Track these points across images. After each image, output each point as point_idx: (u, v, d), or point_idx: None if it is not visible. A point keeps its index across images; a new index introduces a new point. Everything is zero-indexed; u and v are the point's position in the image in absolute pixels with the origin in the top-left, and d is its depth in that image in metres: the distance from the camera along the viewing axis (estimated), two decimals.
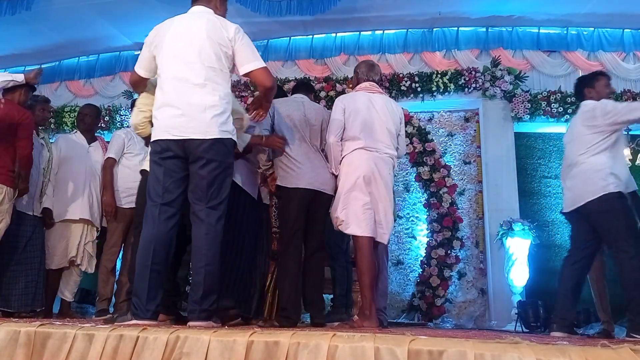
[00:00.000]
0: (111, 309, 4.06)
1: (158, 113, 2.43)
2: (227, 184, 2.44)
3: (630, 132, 5.35)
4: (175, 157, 2.38)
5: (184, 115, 2.35)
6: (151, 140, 2.46)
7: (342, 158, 3.09)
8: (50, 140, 4.11)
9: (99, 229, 4.04)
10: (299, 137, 3.14)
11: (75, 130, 4.38)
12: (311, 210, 3.09)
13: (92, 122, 4.23)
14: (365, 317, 2.86)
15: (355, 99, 3.15)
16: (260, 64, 2.48)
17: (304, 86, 3.61)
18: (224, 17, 2.60)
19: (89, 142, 4.10)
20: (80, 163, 3.97)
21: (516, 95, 5.48)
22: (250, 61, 2.46)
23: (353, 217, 2.96)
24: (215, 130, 2.35)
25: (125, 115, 6.11)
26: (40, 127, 3.93)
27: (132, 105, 4.23)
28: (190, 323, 2.24)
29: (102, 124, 6.12)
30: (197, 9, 2.56)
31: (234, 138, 2.48)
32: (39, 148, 3.76)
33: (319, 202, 3.11)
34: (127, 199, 3.95)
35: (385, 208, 3.04)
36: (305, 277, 3.07)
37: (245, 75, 2.51)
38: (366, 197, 2.98)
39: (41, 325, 1.82)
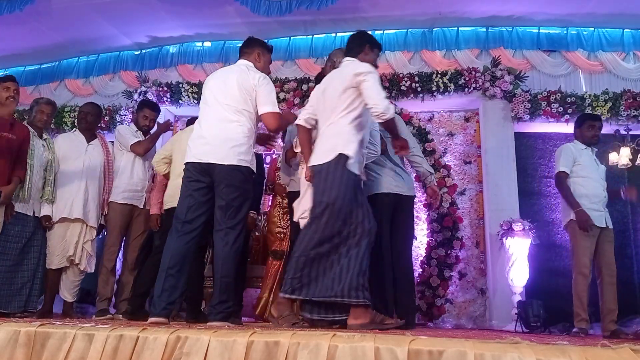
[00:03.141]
0: (111, 309, 4.06)
1: (191, 143, 2.88)
2: (245, 207, 2.81)
3: (630, 132, 5.36)
4: (198, 180, 2.79)
5: (208, 144, 2.79)
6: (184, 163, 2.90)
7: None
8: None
9: (97, 227, 4.00)
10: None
11: (74, 129, 4.36)
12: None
13: (94, 120, 4.21)
14: None
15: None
16: (270, 109, 2.84)
17: None
18: (266, 67, 3.08)
19: (89, 140, 4.07)
20: (77, 162, 3.93)
21: (516, 95, 5.48)
22: (262, 104, 2.84)
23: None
24: (233, 158, 2.74)
25: (125, 115, 6.11)
26: (41, 129, 3.90)
27: (138, 108, 4.21)
28: (209, 323, 2.62)
29: (102, 124, 6.12)
30: (240, 62, 3.03)
31: (252, 168, 2.85)
32: (40, 149, 3.75)
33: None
34: (123, 194, 3.95)
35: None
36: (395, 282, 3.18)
37: (261, 116, 2.87)
38: None
39: (41, 325, 1.82)
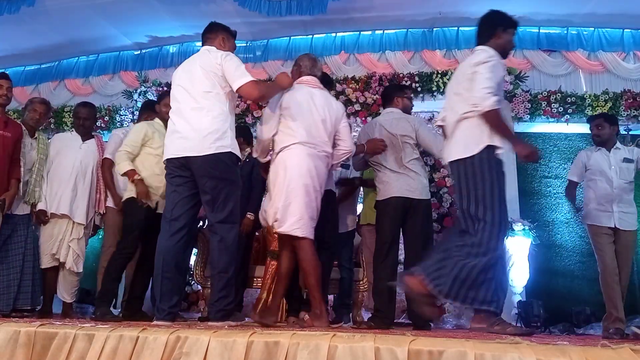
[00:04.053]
0: (112, 310, 4.05)
1: (167, 139, 2.79)
2: (233, 197, 2.68)
3: (630, 132, 5.36)
4: (180, 176, 2.70)
5: (183, 138, 2.68)
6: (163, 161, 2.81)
7: (279, 151, 2.87)
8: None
9: (85, 225, 3.92)
10: (390, 147, 3.23)
11: (73, 129, 4.34)
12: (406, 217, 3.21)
13: (91, 125, 4.16)
14: (315, 317, 2.75)
15: (295, 92, 2.95)
16: (243, 80, 2.66)
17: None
18: (232, 52, 2.87)
19: (84, 139, 4.02)
20: (68, 159, 3.88)
21: (516, 95, 5.47)
22: (233, 80, 2.68)
23: (290, 216, 2.78)
24: (209, 147, 2.62)
25: (125, 115, 6.11)
26: (34, 128, 3.85)
27: (144, 108, 4.14)
28: (209, 323, 2.53)
29: (102, 124, 6.12)
30: (202, 48, 2.90)
31: (235, 152, 2.69)
32: (27, 148, 3.72)
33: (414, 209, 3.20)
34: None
35: (318, 207, 2.89)
36: None
37: (237, 91, 2.71)
38: (306, 195, 2.80)
39: (41, 325, 1.82)
